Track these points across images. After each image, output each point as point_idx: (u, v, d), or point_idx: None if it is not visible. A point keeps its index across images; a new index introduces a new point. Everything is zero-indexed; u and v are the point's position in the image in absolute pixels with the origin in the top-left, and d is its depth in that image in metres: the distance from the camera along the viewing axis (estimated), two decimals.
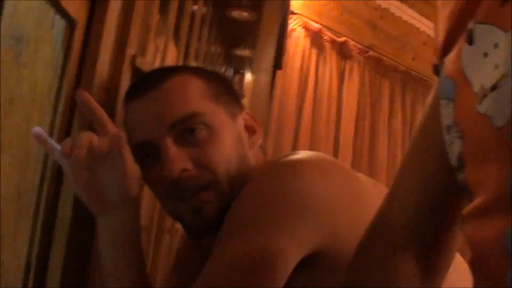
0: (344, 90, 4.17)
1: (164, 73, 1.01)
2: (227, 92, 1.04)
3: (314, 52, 4.05)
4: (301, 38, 3.97)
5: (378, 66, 4.41)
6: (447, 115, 0.57)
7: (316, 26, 4.05)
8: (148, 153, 0.96)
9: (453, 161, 0.57)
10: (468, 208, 0.54)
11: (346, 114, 4.14)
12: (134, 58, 1.15)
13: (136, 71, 1.19)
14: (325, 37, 4.10)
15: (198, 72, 1.04)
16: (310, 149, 3.90)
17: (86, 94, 0.91)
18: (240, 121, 1.03)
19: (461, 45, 0.55)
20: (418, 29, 4.52)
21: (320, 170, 0.92)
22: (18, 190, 0.93)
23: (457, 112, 0.55)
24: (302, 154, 0.97)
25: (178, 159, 0.92)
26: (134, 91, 1.00)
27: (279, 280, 0.82)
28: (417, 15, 4.47)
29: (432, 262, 0.75)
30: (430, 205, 0.72)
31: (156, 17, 1.58)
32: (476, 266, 0.54)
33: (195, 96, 0.97)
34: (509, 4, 0.49)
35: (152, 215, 1.58)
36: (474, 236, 0.53)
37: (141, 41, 1.25)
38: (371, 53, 4.34)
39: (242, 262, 0.81)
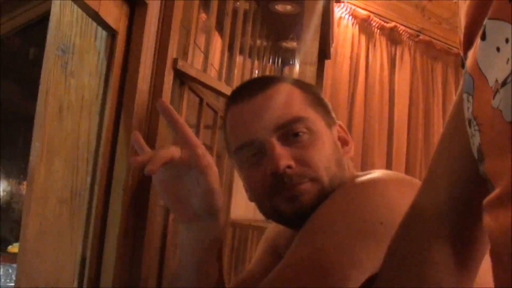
0: (396, 76, 4.13)
1: (267, 81, 1.06)
2: (321, 103, 1.08)
3: (363, 39, 4.03)
4: (350, 26, 3.95)
5: (429, 50, 4.34)
6: (468, 109, 0.59)
7: (364, 13, 4.02)
8: (252, 153, 1.02)
9: (474, 153, 0.58)
10: (487, 198, 0.55)
11: (399, 100, 4.10)
12: (175, 61, 1.19)
13: (178, 74, 1.24)
14: (374, 24, 4.07)
15: (296, 82, 1.09)
16: (364, 139, 3.89)
17: (166, 104, 0.98)
18: (335, 131, 1.08)
19: (477, 40, 0.56)
20: None
21: (398, 189, 0.95)
22: (71, 191, 0.99)
23: (475, 107, 0.56)
24: (381, 173, 1.00)
25: (283, 156, 0.97)
26: (239, 95, 1.06)
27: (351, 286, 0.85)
28: None
29: (466, 253, 0.75)
30: (460, 196, 0.73)
31: (201, 15, 1.63)
32: (493, 255, 0.55)
33: (298, 102, 1.03)
34: None
35: None
36: (492, 225, 0.54)
37: (181, 43, 1.30)
38: (421, 37, 4.27)
39: (315, 264, 0.86)
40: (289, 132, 0.99)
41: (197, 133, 1.49)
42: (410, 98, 4.17)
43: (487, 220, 0.55)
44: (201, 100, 1.48)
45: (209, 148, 1.68)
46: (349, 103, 3.91)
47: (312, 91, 1.08)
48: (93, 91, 1.01)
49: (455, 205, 0.73)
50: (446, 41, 4.36)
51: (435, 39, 4.34)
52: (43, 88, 1.01)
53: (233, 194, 1.96)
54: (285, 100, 1.02)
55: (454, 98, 0.76)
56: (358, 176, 1.02)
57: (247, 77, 2.15)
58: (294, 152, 0.99)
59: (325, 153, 1.00)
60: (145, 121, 1.07)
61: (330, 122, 1.07)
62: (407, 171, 3.95)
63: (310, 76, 2.29)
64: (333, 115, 1.10)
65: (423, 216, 0.77)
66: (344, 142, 1.09)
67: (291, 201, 0.98)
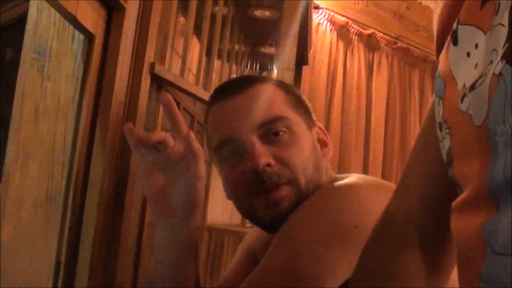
0: (373, 83, 4.15)
1: (249, 80, 1.07)
2: (302, 104, 1.09)
3: (341, 45, 4.05)
4: (328, 32, 3.97)
5: (406, 57, 4.39)
6: (438, 112, 0.59)
7: (343, 19, 4.04)
8: (232, 151, 1.02)
9: (444, 156, 0.59)
10: (455, 201, 0.56)
11: (376, 106, 4.13)
12: (152, 65, 1.19)
13: (155, 78, 1.24)
14: (352, 30, 4.09)
15: (277, 82, 1.10)
16: (341, 144, 3.91)
17: (170, 98, 1.00)
18: (314, 133, 1.09)
19: (449, 45, 0.57)
20: None
21: (373, 193, 0.96)
22: (47, 194, 0.99)
23: (445, 110, 0.57)
24: (356, 177, 1.02)
25: (263, 154, 0.98)
26: (221, 94, 1.07)
27: None
28: None
29: (437, 259, 0.75)
30: (432, 201, 0.73)
31: (179, 19, 1.63)
32: (459, 258, 0.55)
33: (280, 102, 1.04)
34: (488, 6, 0.51)
35: None
36: (459, 228, 0.55)
37: (159, 48, 1.30)
38: (399, 44, 4.31)
39: (291, 270, 0.86)
40: (270, 131, 1.00)
41: (174, 138, 1.50)
42: (387, 105, 4.20)
43: (454, 223, 0.56)
44: (178, 104, 1.48)
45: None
46: (327, 109, 3.93)
47: (293, 92, 1.09)
48: (69, 94, 1.01)
49: (427, 210, 0.74)
50: (424, 49, 4.41)
51: (413, 46, 4.38)
52: (19, 91, 1.01)
53: (210, 198, 1.97)
54: (267, 100, 1.03)
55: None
56: (336, 179, 1.03)
57: None
58: (274, 151, 0.99)
59: (304, 154, 1.01)
60: (122, 125, 1.07)
61: (310, 124, 1.08)
62: (384, 176, 3.98)
63: (288, 81, 2.29)
64: (313, 116, 1.12)
65: (395, 221, 0.77)
66: (323, 144, 1.11)
67: (269, 207, 0.99)
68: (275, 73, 2.49)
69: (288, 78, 2.24)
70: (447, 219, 0.63)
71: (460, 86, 0.54)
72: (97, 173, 1.02)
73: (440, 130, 0.59)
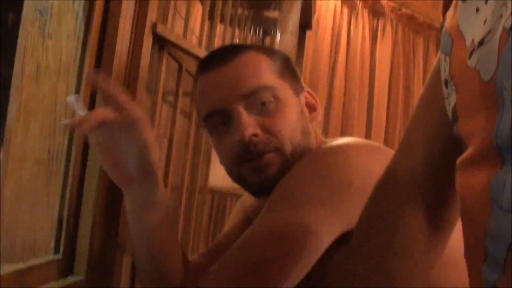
0: (377, 49, 4.14)
1: (235, 49, 1.07)
2: (290, 70, 1.10)
3: (345, 11, 4.03)
4: None
5: (411, 24, 4.36)
6: (445, 69, 0.59)
7: None
8: (220, 121, 1.03)
9: (449, 113, 0.59)
10: (460, 158, 0.56)
11: (380, 72, 4.11)
12: (155, 25, 1.18)
13: (157, 39, 1.24)
14: None
15: (264, 50, 1.10)
16: (344, 110, 3.91)
17: (96, 75, 0.93)
18: (302, 98, 1.10)
19: (457, 1, 0.57)
20: None
21: (366, 153, 0.98)
22: (49, 153, 0.99)
23: (452, 66, 0.57)
24: (349, 139, 1.03)
25: (249, 124, 0.99)
26: (207, 65, 1.06)
27: (311, 254, 0.87)
28: None
29: (439, 217, 0.76)
30: (435, 159, 0.73)
31: None
32: (462, 213, 0.56)
33: (266, 71, 1.04)
34: None
35: (183, 176, 1.64)
36: (463, 185, 0.55)
37: (161, 8, 1.29)
38: (403, 10, 4.28)
39: (282, 230, 0.87)
40: (256, 100, 1.01)
41: (175, 99, 1.49)
42: (391, 71, 4.18)
43: (459, 179, 0.56)
44: (180, 66, 1.48)
45: (188, 115, 1.68)
46: (330, 75, 3.92)
47: (280, 59, 1.09)
48: (70, 53, 1.01)
49: (430, 168, 0.74)
50: (429, 15, 4.36)
51: (418, 12, 4.34)
52: (20, 50, 1.00)
53: (212, 161, 1.97)
54: (253, 69, 1.03)
55: None
56: (326, 142, 1.04)
57: None
58: (261, 120, 1.01)
59: (291, 122, 1.02)
60: (123, 84, 1.08)
61: (298, 89, 1.09)
62: (386, 142, 3.97)
63: (291, 46, 2.29)
64: (302, 81, 1.12)
65: (398, 179, 0.77)
66: (312, 108, 1.12)
67: (256, 172, 1.01)
68: (278, 37, 2.47)
69: (292, 42, 2.24)
70: (450, 177, 0.64)
71: (468, 42, 0.53)
72: None
73: (446, 87, 0.59)
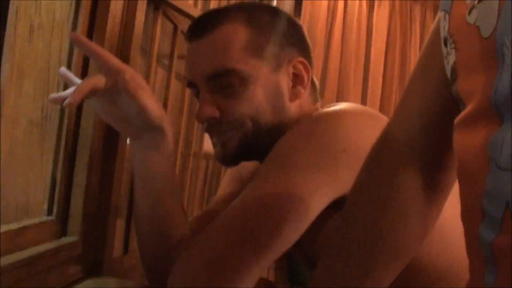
0: (374, 16, 4.09)
1: (214, 20, 1.04)
2: (279, 39, 1.05)
3: None
4: None
5: None
6: (444, 27, 0.58)
7: None
8: (195, 92, 1.08)
9: (448, 73, 0.59)
10: (458, 117, 0.56)
11: (376, 39, 4.07)
12: None
13: (152, 1, 1.22)
14: None
15: (251, 18, 1.05)
16: (339, 77, 3.90)
17: (78, 35, 0.95)
18: (288, 70, 1.06)
19: None
20: None
21: (361, 119, 0.97)
22: (42, 113, 0.98)
23: (451, 24, 0.56)
24: (345, 105, 1.02)
25: (208, 107, 1.02)
26: (190, 34, 1.07)
27: (298, 222, 0.86)
28: None
29: (435, 180, 0.76)
30: (432, 122, 0.73)
31: None
32: (460, 173, 0.55)
33: (237, 50, 1.02)
34: None
35: (177, 141, 1.63)
36: (461, 144, 0.55)
37: None
38: None
39: (270, 198, 0.86)
40: (220, 83, 1.02)
41: (170, 62, 1.48)
42: (387, 38, 4.15)
43: (457, 138, 0.56)
44: (175, 27, 1.46)
45: (183, 78, 1.67)
46: (326, 41, 3.90)
47: (267, 28, 1.05)
48: (64, 12, 0.99)
49: (426, 131, 0.74)
50: None
51: None
52: (12, 8, 0.98)
53: None
54: (224, 49, 1.01)
55: None
56: (318, 110, 1.03)
57: None
58: (222, 102, 1.03)
59: (255, 104, 1.02)
60: (117, 44, 1.06)
61: (281, 62, 1.05)
62: (381, 110, 3.96)
63: (287, 11, 2.26)
64: (292, 50, 1.07)
65: (394, 143, 0.77)
66: (300, 80, 1.08)
67: (216, 147, 1.07)
68: (274, 3, 2.45)
69: (288, 5, 2.21)
70: (446, 140, 0.64)
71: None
72: None
73: (445, 45, 0.58)
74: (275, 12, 1.08)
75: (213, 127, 1.04)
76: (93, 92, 0.89)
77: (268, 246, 0.84)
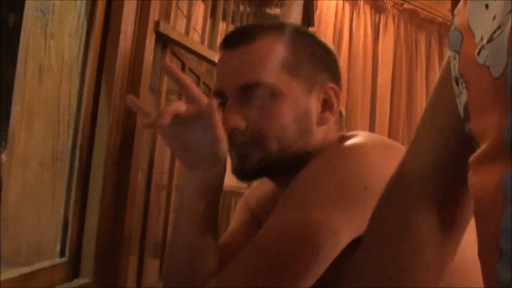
0: (380, 45, 4.12)
1: (254, 32, 1.04)
2: (314, 63, 1.05)
3: (347, 7, 4.01)
4: None
5: (413, 19, 4.34)
6: (454, 67, 0.58)
7: None
8: (220, 101, 1.03)
9: (461, 111, 0.58)
10: (473, 155, 0.55)
11: (382, 69, 4.10)
12: (157, 23, 1.17)
13: (160, 37, 1.22)
14: None
15: (291, 37, 1.05)
16: (346, 108, 3.90)
17: (168, 64, 0.99)
18: (319, 94, 1.05)
19: None
20: None
21: (382, 154, 0.95)
22: (53, 154, 0.98)
23: (461, 64, 0.56)
24: (366, 137, 1.00)
25: (234, 117, 0.99)
26: (225, 43, 1.05)
27: (328, 254, 0.85)
28: None
29: (450, 217, 0.75)
30: (446, 159, 0.72)
31: None
32: (476, 212, 0.55)
33: (273, 65, 1.01)
34: None
35: None
36: (476, 183, 0.54)
37: (163, 6, 1.28)
38: (405, 5, 4.26)
39: (295, 232, 0.86)
40: (251, 95, 1.00)
41: (179, 99, 1.48)
42: (393, 67, 4.17)
43: (472, 177, 0.55)
44: (183, 64, 1.47)
45: None
46: None
47: (303, 49, 1.04)
48: (73, 52, 0.99)
49: (441, 167, 0.73)
50: (430, 10, 4.35)
51: (419, 7, 4.33)
52: (22, 50, 0.99)
53: None
54: (259, 61, 1.00)
55: (437, 67, 0.75)
56: (343, 138, 1.02)
57: None
58: (250, 114, 1.00)
59: (283, 121, 1.00)
60: (127, 83, 1.07)
61: (313, 86, 1.04)
62: (390, 138, 3.96)
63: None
64: (325, 75, 1.06)
65: (408, 179, 0.76)
66: (328, 107, 1.06)
67: (234, 160, 1.02)
68: None
69: None
70: (461, 176, 0.63)
71: (477, 39, 0.52)
72: (103, 132, 1.01)
73: (457, 85, 0.58)
74: (313, 36, 1.08)
75: (234, 138, 1.00)
76: (175, 117, 0.91)
77: (295, 280, 0.84)
